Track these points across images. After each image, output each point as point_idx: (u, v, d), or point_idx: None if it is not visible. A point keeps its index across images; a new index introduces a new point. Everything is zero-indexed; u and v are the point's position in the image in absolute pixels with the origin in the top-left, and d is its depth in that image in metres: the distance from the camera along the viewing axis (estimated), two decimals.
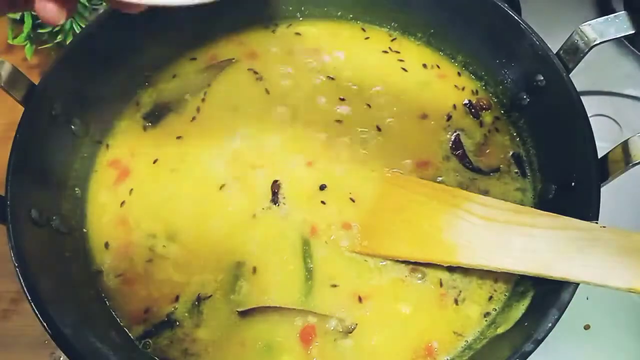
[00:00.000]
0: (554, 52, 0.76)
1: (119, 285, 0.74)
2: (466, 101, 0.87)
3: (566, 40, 0.74)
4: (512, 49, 0.82)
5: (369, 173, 0.80)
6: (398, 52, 0.92)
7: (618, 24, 0.71)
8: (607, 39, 0.72)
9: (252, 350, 0.69)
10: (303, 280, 0.72)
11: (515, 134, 0.85)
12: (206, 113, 0.85)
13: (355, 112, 0.85)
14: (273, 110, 0.85)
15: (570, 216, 0.67)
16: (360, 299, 0.72)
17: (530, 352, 0.60)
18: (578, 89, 0.73)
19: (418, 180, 0.79)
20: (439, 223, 0.72)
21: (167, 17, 0.75)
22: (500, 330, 0.69)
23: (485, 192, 0.79)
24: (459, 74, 0.90)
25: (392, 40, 0.94)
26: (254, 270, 0.73)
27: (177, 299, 0.72)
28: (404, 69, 0.90)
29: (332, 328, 0.70)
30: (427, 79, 0.90)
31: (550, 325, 0.61)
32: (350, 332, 0.69)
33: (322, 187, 0.79)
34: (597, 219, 0.66)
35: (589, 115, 0.72)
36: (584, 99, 0.73)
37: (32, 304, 0.61)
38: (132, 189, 0.79)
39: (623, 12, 0.72)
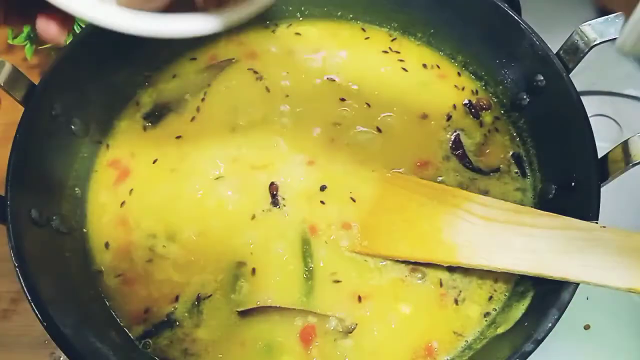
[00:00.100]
0: (554, 52, 0.76)
1: (119, 285, 0.74)
2: (466, 101, 0.87)
3: (566, 40, 0.74)
4: (512, 49, 0.82)
5: (369, 173, 0.80)
6: (398, 52, 0.92)
7: (618, 24, 0.71)
8: (607, 39, 0.72)
9: (252, 350, 0.69)
10: (303, 280, 0.72)
11: (515, 134, 0.85)
12: (206, 113, 0.85)
13: (355, 112, 0.85)
14: (273, 110, 0.85)
15: (570, 216, 0.67)
16: (360, 299, 0.72)
17: (530, 352, 0.60)
18: (578, 89, 0.73)
19: (418, 180, 0.79)
20: (439, 223, 0.72)
21: None
22: (500, 330, 0.69)
23: (485, 192, 0.79)
24: (459, 74, 0.90)
25: (392, 40, 0.94)
26: (254, 270, 0.73)
27: (177, 299, 0.72)
28: (404, 69, 0.90)
29: (332, 328, 0.70)
30: (427, 79, 0.90)
31: (550, 325, 0.61)
32: (350, 332, 0.69)
33: (323, 188, 0.79)
34: (597, 219, 0.66)
35: (589, 115, 0.71)
36: (584, 99, 0.73)
37: (32, 304, 0.61)
38: (132, 189, 0.79)
39: (623, 12, 0.72)
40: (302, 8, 0.94)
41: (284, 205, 0.77)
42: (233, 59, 0.90)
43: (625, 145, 0.66)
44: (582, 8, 1.09)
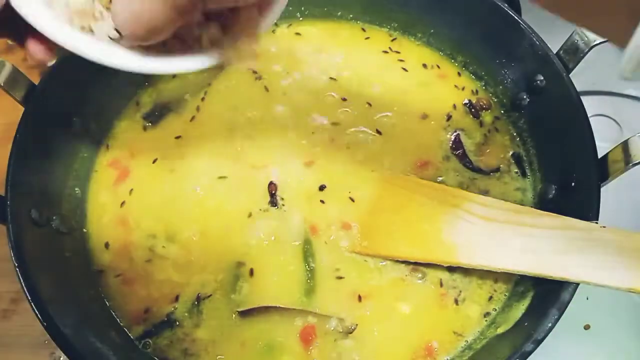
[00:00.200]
0: (554, 52, 0.76)
1: (119, 285, 0.74)
2: (466, 101, 0.87)
3: (566, 40, 0.74)
4: (512, 49, 0.82)
5: (368, 173, 0.80)
6: (398, 52, 0.92)
7: None
8: (607, 39, 0.72)
9: (252, 350, 0.69)
10: (304, 280, 0.72)
11: (515, 134, 0.85)
12: (206, 113, 0.85)
13: (355, 112, 0.85)
14: (273, 110, 0.85)
15: (570, 216, 0.67)
16: (360, 299, 0.72)
17: (530, 352, 0.60)
18: (578, 89, 0.73)
19: (418, 180, 0.79)
20: (439, 223, 0.72)
21: None
22: (500, 330, 0.69)
23: (485, 192, 0.79)
24: (459, 74, 0.90)
25: (392, 40, 0.94)
26: (254, 270, 0.73)
27: (177, 298, 0.72)
28: (404, 69, 0.90)
29: (332, 328, 0.70)
30: (427, 79, 0.90)
31: (550, 325, 0.61)
32: (351, 333, 0.69)
33: (322, 187, 0.79)
34: (597, 219, 0.65)
35: (589, 115, 0.72)
36: (584, 99, 0.73)
37: (32, 304, 0.61)
38: (132, 189, 0.79)
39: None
40: (302, 8, 0.94)
41: (283, 205, 0.77)
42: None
43: (625, 145, 0.66)
44: None
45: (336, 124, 0.84)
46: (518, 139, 0.84)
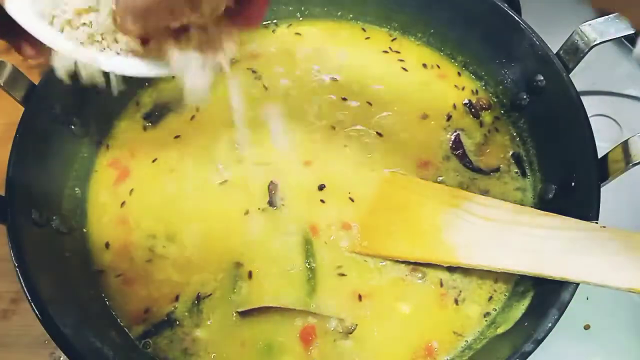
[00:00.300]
0: (554, 52, 0.76)
1: (119, 285, 0.74)
2: (466, 101, 0.87)
3: (566, 40, 0.74)
4: (512, 49, 0.82)
5: (368, 173, 0.80)
6: (398, 52, 0.92)
7: (618, 24, 0.71)
8: (607, 39, 0.72)
9: (252, 351, 0.69)
10: (304, 280, 0.72)
11: (515, 134, 0.85)
12: (206, 112, 0.85)
13: (354, 111, 0.85)
14: (272, 110, 0.85)
15: (570, 216, 0.67)
16: (360, 299, 0.72)
17: (530, 352, 0.60)
18: (578, 89, 0.73)
19: (418, 180, 0.79)
20: (439, 223, 0.72)
21: None
22: (500, 330, 0.69)
23: (485, 192, 0.79)
24: (459, 74, 0.90)
25: (392, 40, 0.94)
26: (254, 269, 0.73)
27: (177, 298, 0.72)
28: (404, 68, 0.90)
29: (332, 328, 0.70)
30: (427, 79, 0.90)
31: (550, 325, 0.61)
32: (351, 333, 0.69)
33: (321, 187, 0.79)
34: (597, 219, 0.66)
35: (589, 115, 0.72)
36: (584, 99, 0.73)
37: (32, 304, 0.61)
38: (132, 189, 0.79)
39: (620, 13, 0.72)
40: (302, 8, 0.94)
41: (283, 205, 0.77)
42: (233, 58, 0.89)
43: (625, 145, 0.66)
44: (582, 8, 1.09)
45: (336, 124, 0.84)
46: (518, 139, 0.84)
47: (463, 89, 0.89)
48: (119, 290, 0.73)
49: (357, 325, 0.70)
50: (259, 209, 0.77)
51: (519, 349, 0.60)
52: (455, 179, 0.80)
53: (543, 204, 0.77)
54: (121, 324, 0.71)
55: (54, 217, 0.72)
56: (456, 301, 0.72)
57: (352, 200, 0.78)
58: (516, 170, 0.82)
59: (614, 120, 0.97)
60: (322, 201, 0.78)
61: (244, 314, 0.70)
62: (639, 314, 0.82)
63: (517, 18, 0.79)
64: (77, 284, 0.72)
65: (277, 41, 0.93)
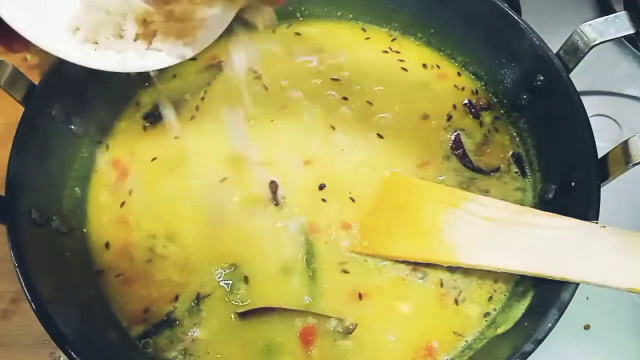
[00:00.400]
0: (554, 52, 0.76)
1: (119, 285, 0.73)
2: (466, 101, 0.87)
3: (566, 40, 0.74)
4: (512, 49, 0.82)
5: (369, 172, 0.80)
6: (398, 52, 0.92)
7: (618, 24, 0.71)
8: (607, 39, 0.72)
9: (252, 351, 0.69)
10: (304, 280, 0.72)
11: (515, 134, 0.85)
12: (205, 112, 0.85)
13: (355, 112, 0.85)
14: (272, 110, 0.85)
15: (570, 216, 0.67)
16: (360, 299, 0.72)
17: (530, 352, 0.60)
18: (578, 89, 0.73)
19: (418, 180, 0.79)
20: (439, 223, 0.72)
21: None
22: (500, 330, 0.69)
23: (485, 192, 0.79)
24: (459, 74, 0.90)
25: (392, 40, 0.94)
26: (254, 269, 0.73)
27: (176, 298, 0.72)
28: (404, 68, 0.90)
29: (332, 328, 0.70)
30: (427, 79, 0.90)
31: (550, 325, 0.61)
32: (350, 333, 0.69)
33: (322, 187, 0.79)
34: (597, 219, 0.66)
35: (589, 115, 0.72)
36: (584, 99, 0.73)
37: (32, 304, 0.61)
38: (132, 189, 0.79)
39: (623, 12, 0.72)
40: (302, 8, 0.94)
41: (284, 204, 0.77)
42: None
43: (625, 145, 0.66)
44: (582, 8, 1.09)
45: (336, 124, 0.84)
46: (518, 139, 0.84)
47: (463, 89, 0.89)
48: (119, 290, 0.73)
49: (357, 325, 0.70)
50: (262, 209, 0.77)
51: (519, 349, 0.60)
52: (455, 179, 0.80)
53: (543, 204, 0.77)
54: (121, 324, 0.71)
55: (54, 217, 0.72)
56: (456, 301, 0.72)
57: (353, 200, 0.78)
58: (516, 170, 0.82)
59: (614, 120, 0.97)
60: (323, 200, 0.78)
61: (244, 314, 0.70)
62: (639, 314, 0.82)
63: (517, 18, 0.79)
64: (77, 284, 0.72)
65: (277, 41, 0.93)
